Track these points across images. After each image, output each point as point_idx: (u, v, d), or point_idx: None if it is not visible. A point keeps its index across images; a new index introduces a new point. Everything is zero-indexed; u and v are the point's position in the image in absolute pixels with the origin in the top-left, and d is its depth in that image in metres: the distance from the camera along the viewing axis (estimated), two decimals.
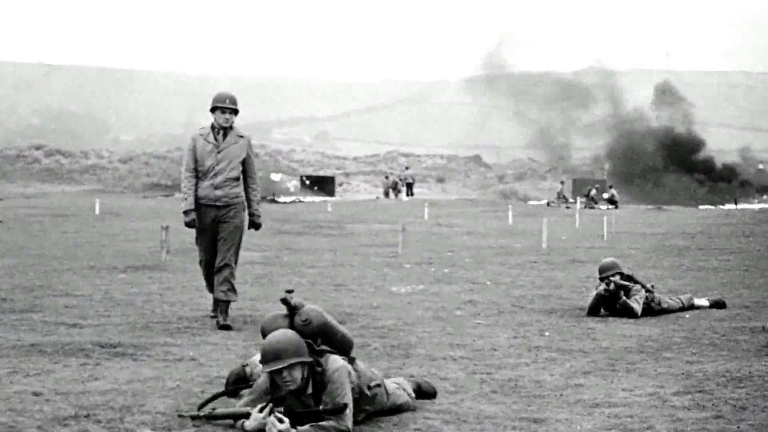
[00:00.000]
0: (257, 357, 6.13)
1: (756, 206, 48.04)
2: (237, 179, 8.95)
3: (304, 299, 5.86)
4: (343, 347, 5.70)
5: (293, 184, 34.33)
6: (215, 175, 8.85)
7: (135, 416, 5.62)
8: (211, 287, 9.13)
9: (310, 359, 5.42)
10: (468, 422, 5.63)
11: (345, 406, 5.32)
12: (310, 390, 5.43)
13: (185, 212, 8.90)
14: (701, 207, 47.98)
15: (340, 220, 29.89)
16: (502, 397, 6.33)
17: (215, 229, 8.94)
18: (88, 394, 6.10)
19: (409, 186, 54.89)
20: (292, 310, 5.68)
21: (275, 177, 34.71)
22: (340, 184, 65.49)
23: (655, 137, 59.23)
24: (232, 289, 8.95)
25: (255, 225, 9.15)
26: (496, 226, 27.61)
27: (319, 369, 5.44)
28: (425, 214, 31.57)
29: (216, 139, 8.88)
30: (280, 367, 5.33)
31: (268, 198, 47.97)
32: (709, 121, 63.48)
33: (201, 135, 8.92)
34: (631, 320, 9.56)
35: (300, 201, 48.29)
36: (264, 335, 5.63)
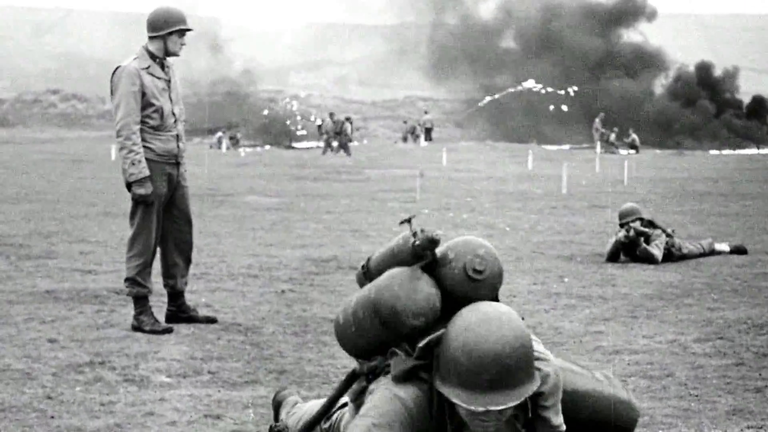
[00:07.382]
0: (294, 400, 4.26)
1: None
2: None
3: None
4: None
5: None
6: (176, 122, 6.62)
7: (149, 363, 5.59)
8: (165, 277, 6.82)
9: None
10: None
11: None
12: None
13: (141, 181, 6.39)
14: (723, 152, 47.43)
15: (357, 165, 29.76)
16: None
17: (165, 197, 6.61)
18: (103, 341, 6.09)
19: (428, 131, 54.50)
20: (433, 256, 3.31)
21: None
22: (358, 129, 65.22)
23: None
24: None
25: None
26: (515, 171, 27.43)
27: None
28: (444, 159, 31.37)
29: (165, 73, 6.61)
30: (517, 403, 3.08)
31: (285, 144, 47.84)
32: (737, 64, 61.93)
33: (145, 69, 6.48)
34: (652, 266, 9.46)
35: (318, 146, 48.12)
36: (396, 318, 3.21)
